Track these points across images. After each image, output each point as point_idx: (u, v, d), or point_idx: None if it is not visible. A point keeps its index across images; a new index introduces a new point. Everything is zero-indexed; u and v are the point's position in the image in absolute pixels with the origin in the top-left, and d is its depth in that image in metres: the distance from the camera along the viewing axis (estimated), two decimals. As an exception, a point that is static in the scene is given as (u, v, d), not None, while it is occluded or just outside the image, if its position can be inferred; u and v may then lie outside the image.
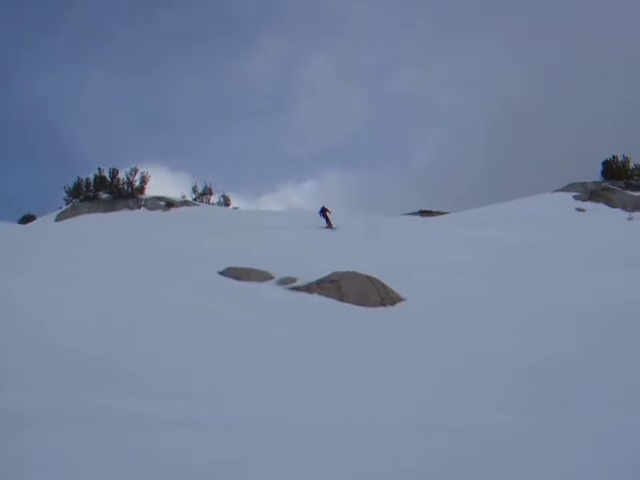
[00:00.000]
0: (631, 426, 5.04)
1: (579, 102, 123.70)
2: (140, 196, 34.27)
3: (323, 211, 26.30)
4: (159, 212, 32.33)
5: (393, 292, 14.76)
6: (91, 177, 34.66)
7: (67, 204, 33.86)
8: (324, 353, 9.52)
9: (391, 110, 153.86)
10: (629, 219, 27.77)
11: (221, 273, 15.74)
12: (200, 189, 39.46)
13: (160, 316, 10.20)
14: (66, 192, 34.36)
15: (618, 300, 11.74)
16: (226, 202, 40.64)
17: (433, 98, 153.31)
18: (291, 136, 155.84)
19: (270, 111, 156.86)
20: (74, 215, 30.96)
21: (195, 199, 38.39)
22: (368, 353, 9.68)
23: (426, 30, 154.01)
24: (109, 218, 29.89)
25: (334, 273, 15.21)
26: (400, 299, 14.52)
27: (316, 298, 14.05)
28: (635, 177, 38.03)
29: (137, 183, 34.89)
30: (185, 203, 35.42)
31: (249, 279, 15.50)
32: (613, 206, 31.26)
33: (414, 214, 35.50)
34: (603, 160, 39.32)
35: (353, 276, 15.12)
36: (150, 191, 35.29)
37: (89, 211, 31.65)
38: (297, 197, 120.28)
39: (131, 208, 32.63)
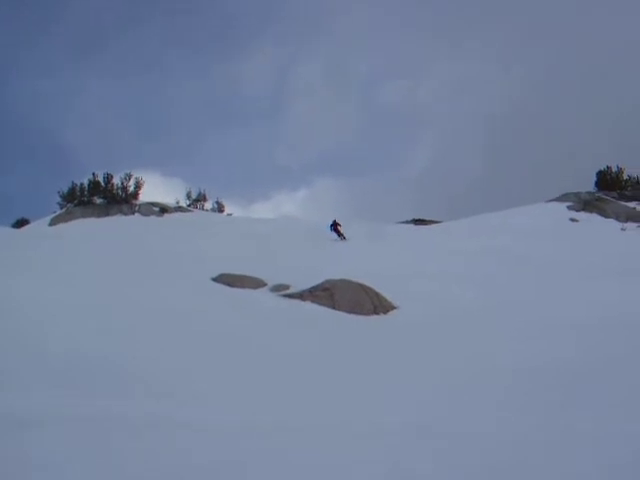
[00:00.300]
0: (630, 427, 5.07)
1: (574, 111, 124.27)
2: (134, 202, 34.23)
3: (334, 225, 26.62)
4: (153, 218, 32.27)
5: (386, 300, 14.74)
6: (85, 182, 34.71)
7: (61, 209, 33.78)
8: (321, 356, 9.53)
9: (384, 118, 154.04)
10: (622, 230, 27.90)
11: (214, 280, 15.70)
12: (194, 195, 39.50)
13: (158, 316, 10.22)
14: (60, 197, 34.35)
15: (614, 311, 11.67)
16: (220, 208, 40.62)
17: (425, 105, 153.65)
18: (284, 144, 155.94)
19: (263, 119, 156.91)
20: (68, 220, 30.87)
21: (189, 205, 38.38)
22: (364, 357, 9.68)
23: (419, 36, 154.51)
24: (103, 223, 29.83)
25: (327, 281, 15.18)
26: (393, 307, 14.51)
27: (309, 305, 14.02)
28: (629, 188, 38.23)
29: (131, 188, 34.88)
30: (179, 209, 35.40)
31: (242, 286, 15.46)
32: (606, 216, 31.37)
33: (407, 222, 35.54)
34: (597, 170, 39.59)
35: (346, 284, 15.09)
36: (144, 197, 35.35)
37: (83, 216, 31.56)
38: (289, 205, 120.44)
39: (125, 213, 32.58)
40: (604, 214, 31.73)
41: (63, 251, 16.72)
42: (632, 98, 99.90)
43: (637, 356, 8.16)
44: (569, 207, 33.01)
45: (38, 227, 30.50)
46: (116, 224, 29.43)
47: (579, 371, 7.71)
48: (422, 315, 13.47)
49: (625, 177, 39.24)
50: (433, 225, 32.73)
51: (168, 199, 37.03)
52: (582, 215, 31.55)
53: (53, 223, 30.83)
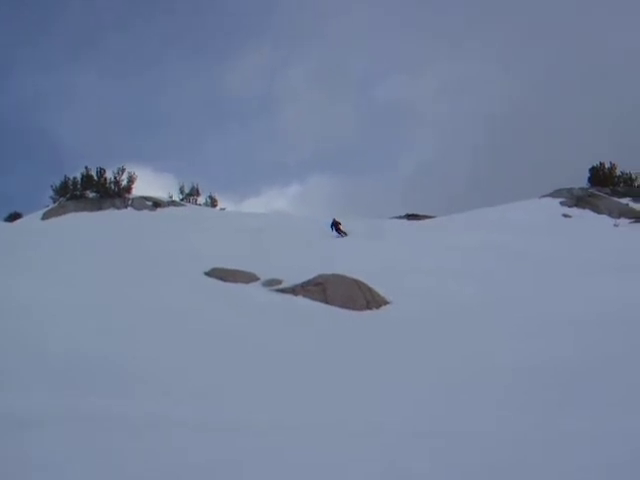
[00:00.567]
0: (629, 425, 5.08)
1: (573, 111, 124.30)
2: (127, 196, 34.03)
3: (335, 224, 26.72)
4: (146, 212, 32.11)
5: (379, 295, 14.71)
6: (78, 176, 34.45)
7: (54, 202, 33.55)
8: (316, 354, 9.51)
9: (383, 117, 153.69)
10: (615, 226, 27.97)
11: (207, 274, 15.65)
12: (187, 190, 39.34)
13: (156, 316, 10.24)
14: (53, 190, 34.10)
15: (611, 307, 11.72)
16: (213, 203, 40.49)
17: (421, 103, 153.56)
18: (278, 141, 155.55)
19: (256, 115, 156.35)
20: (61, 214, 30.65)
21: (182, 199, 38.22)
22: (359, 353, 9.68)
23: (419, 36, 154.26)
24: (96, 217, 29.63)
25: (319, 275, 15.15)
26: (386, 302, 14.48)
27: (301, 300, 14.00)
28: (621, 184, 38.36)
29: (124, 182, 34.61)
30: (172, 203, 35.24)
31: (235, 280, 15.42)
32: (599, 212, 31.44)
33: (401, 218, 35.56)
34: (590, 167, 39.70)
35: (339, 279, 15.05)
36: (137, 191, 35.12)
37: (76, 210, 31.33)
38: (281, 201, 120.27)
39: (118, 207, 32.38)
40: (597, 210, 31.81)
41: (55, 247, 16.61)
42: (632, 98, 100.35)
43: (635, 354, 8.21)
44: (562, 203, 33.07)
45: (30, 221, 30.28)
46: (109, 218, 29.28)
47: (577, 370, 7.75)
48: (417, 311, 13.43)
49: (618, 173, 39.35)
50: (427, 220, 32.75)
51: (161, 194, 36.85)
52: (575, 211, 31.62)
53: (46, 217, 30.59)
